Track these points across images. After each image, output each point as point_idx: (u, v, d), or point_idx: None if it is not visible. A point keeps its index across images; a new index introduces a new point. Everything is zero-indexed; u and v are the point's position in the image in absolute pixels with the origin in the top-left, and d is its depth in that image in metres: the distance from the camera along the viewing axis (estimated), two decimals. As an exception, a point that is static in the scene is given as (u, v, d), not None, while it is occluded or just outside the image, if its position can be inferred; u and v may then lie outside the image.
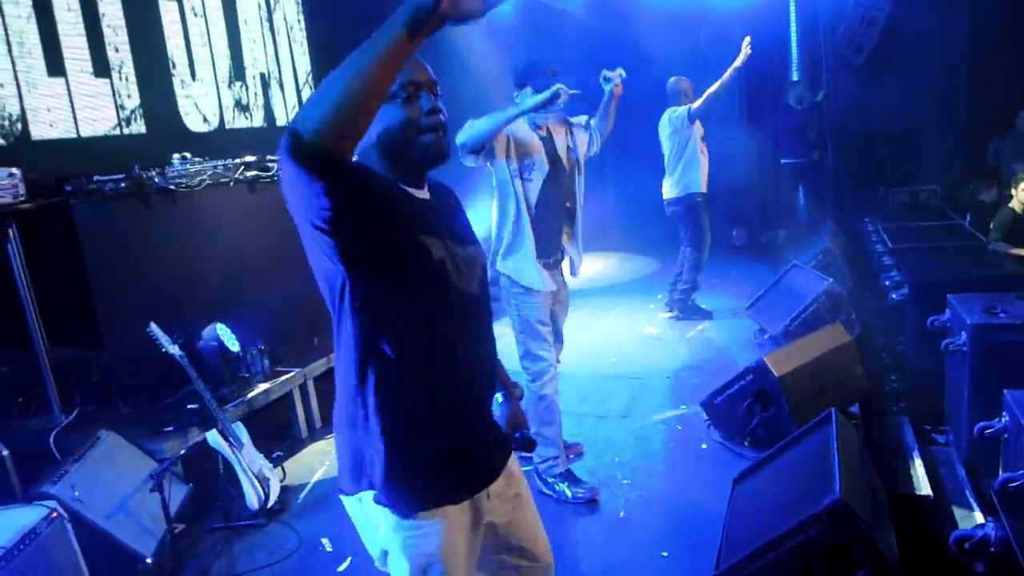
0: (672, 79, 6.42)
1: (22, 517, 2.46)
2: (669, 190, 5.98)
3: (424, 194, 1.61)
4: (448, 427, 1.57)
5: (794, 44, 8.53)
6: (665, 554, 2.92)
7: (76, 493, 2.78)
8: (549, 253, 3.32)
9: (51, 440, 3.42)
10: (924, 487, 2.98)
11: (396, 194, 1.52)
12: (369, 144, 1.54)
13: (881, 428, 3.53)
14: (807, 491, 2.26)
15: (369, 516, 1.58)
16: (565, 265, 3.50)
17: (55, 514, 2.52)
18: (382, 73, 1.20)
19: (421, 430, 1.53)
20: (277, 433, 4.29)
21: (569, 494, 3.33)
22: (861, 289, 5.27)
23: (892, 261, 4.59)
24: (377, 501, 1.53)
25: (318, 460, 4.00)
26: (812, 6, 7.96)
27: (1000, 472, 2.78)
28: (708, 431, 3.86)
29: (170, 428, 3.55)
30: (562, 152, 3.33)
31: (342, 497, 1.64)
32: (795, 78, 8.44)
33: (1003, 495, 2.43)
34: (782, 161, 8.25)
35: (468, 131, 2.98)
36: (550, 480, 3.38)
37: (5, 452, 3.29)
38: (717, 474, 3.48)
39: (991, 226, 5.21)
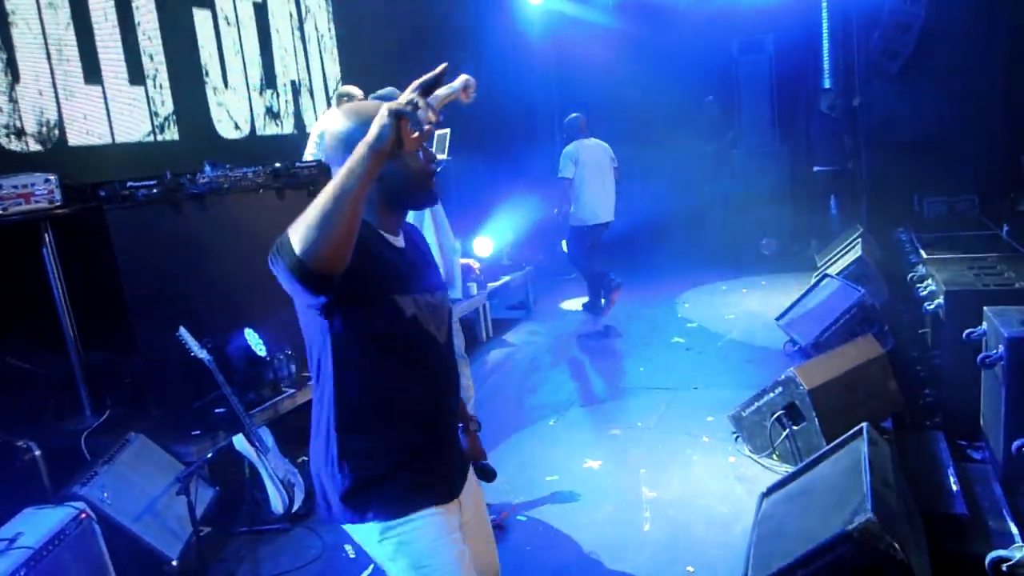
0: (573, 115, 6.77)
1: (52, 518, 2.50)
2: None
3: (400, 241, 1.73)
4: (423, 454, 1.71)
5: (826, 51, 8.43)
6: (691, 569, 2.88)
7: (105, 495, 2.82)
8: None
9: (82, 441, 3.48)
10: (959, 505, 2.90)
11: (375, 249, 1.62)
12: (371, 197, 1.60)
13: (914, 443, 3.44)
14: (838, 508, 2.20)
15: (358, 535, 1.72)
16: None
17: (84, 515, 2.56)
18: (359, 202, 1.35)
19: (399, 460, 1.67)
20: (302, 438, 4.29)
21: None
22: (895, 300, 5.17)
23: (927, 272, 4.49)
24: (366, 520, 1.66)
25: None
26: (845, 12, 7.86)
27: (1039, 492, 2.71)
28: (736, 443, 3.80)
29: (198, 431, 3.59)
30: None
31: (346, 527, 1.73)
32: (827, 85, 8.34)
33: (1042, 515, 2.36)
34: (814, 169, 8.14)
35: None
36: None
37: (37, 452, 3.34)
38: (744, 488, 3.43)
39: (1030, 236, 5.07)
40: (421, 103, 1.40)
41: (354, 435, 1.66)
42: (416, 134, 1.39)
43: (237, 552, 3.27)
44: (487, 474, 1.85)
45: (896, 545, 1.97)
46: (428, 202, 1.72)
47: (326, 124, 4.37)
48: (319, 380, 1.67)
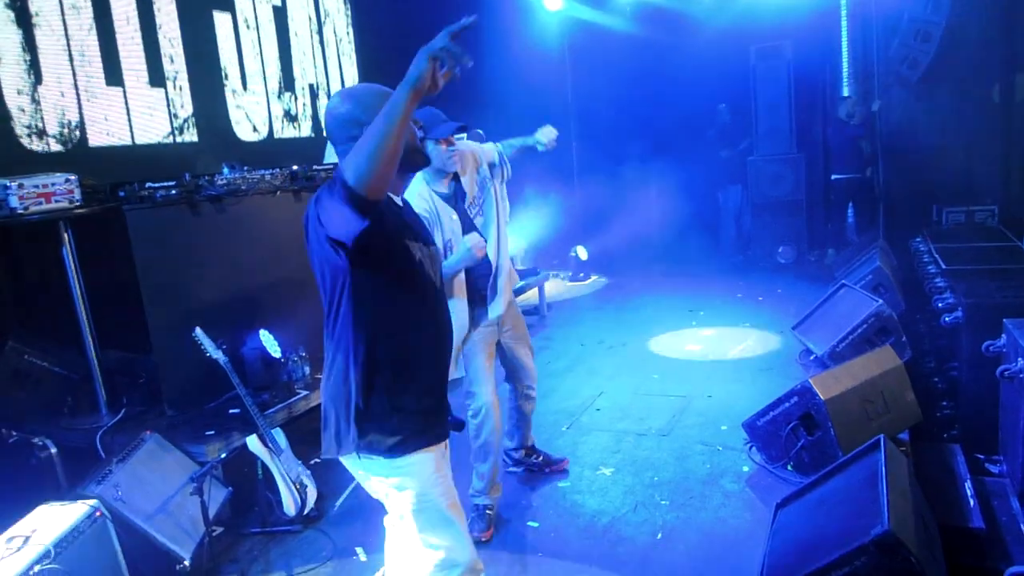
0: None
1: (67, 515, 2.52)
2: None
3: (399, 200, 2.06)
4: (428, 393, 1.99)
5: (845, 59, 8.37)
6: (703, 579, 2.85)
7: (119, 493, 2.84)
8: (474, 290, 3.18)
9: (97, 439, 3.51)
10: (976, 519, 2.86)
11: (385, 203, 1.85)
12: None
13: (931, 456, 3.40)
14: (854, 520, 2.18)
15: (368, 468, 2.00)
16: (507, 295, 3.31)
17: (98, 513, 2.58)
18: (401, 135, 1.61)
19: (411, 395, 1.94)
20: (316, 440, 4.28)
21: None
22: (912, 311, 5.11)
23: (945, 283, 4.44)
24: (379, 453, 1.93)
25: (347, 475, 4.00)
26: (864, 20, 7.81)
27: (1059, 507, 2.66)
28: (750, 453, 3.77)
29: (212, 432, 3.61)
30: (470, 193, 3.16)
31: (343, 458, 2.01)
32: (846, 93, 8.28)
33: (1063, 532, 2.32)
34: (832, 177, 8.08)
35: None
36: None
37: (53, 450, 3.38)
38: (759, 498, 3.40)
39: (1051, 248, 5.01)
40: (452, 49, 1.59)
41: (373, 374, 1.89)
42: (445, 73, 1.60)
43: (249, 553, 3.28)
44: (457, 426, 2.13)
45: (913, 558, 1.95)
46: (424, 162, 2.07)
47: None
48: (337, 323, 1.89)
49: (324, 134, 6.46)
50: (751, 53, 8.29)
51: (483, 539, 3.23)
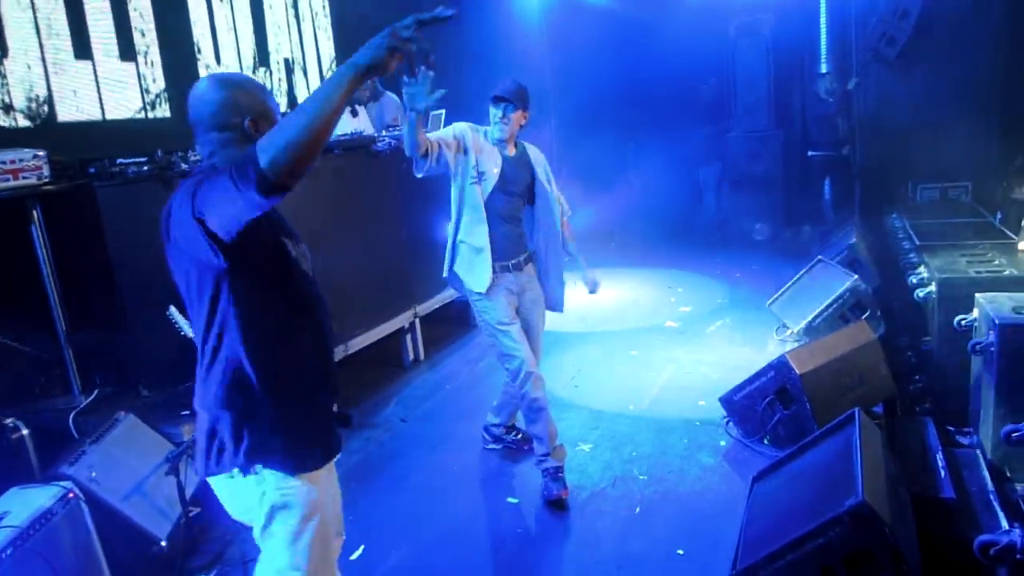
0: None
1: (39, 497, 2.48)
2: None
3: None
4: (312, 395, 1.84)
5: (824, 35, 8.38)
6: (681, 552, 2.89)
7: (93, 474, 2.80)
8: (508, 255, 3.38)
9: (70, 421, 3.45)
10: (947, 490, 2.91)
11: None
12: None
13: (904, 429, 3.46)
14: (829, 492, 2.21)
15: (247, 487, 1.78)
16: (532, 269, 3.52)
17: (71, 495, 2.54)
18: (335, 120, 1.47)
19: (293, 399, 1.78)
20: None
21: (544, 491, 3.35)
22: (887, 286, 5.17)
23: (919, 258, 4.49)
24: (259, 469, 1.74)
25: (334, 447, 4.00)
26: (843, -3, 7.81)
27: (1027, 477, 2.72)
28: (727, 427, 3.81)
29: (187, 412, 3.57)
30: (514, 167, 3.39)
31: (210, 478, 1.82)
32: (824, 70, 8.30)
33: (1030, 501, 2.37)
34: (809, 154, 8.12)
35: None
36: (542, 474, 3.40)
37: (25, 432, 3.31)
38: (736, 471, 3.44)
39: (1022, 224, 5.08)
40: (419, 44, 1.52)
41: (258, 382, 1.73)
42: (395, 62, 1.51)
43: (227, 532, 3.26)
44: (343, 420, 2.10)
45: (886, 528, 1.98)
46: None
47: None
48: (212, 330, 1.73)
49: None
50: (730, 29, 8.27)
51: (563, 496, 3.30)
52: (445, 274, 3.47)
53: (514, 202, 3.40)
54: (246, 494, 1.79)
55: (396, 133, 3.10)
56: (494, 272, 3.32)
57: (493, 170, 3.29)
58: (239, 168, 1.45)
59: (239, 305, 1.70)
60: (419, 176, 3.18)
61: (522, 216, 3.50)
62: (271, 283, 1.75)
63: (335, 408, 2.00)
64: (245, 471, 1.75)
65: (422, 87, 2.75)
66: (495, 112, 3.28)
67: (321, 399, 1.89)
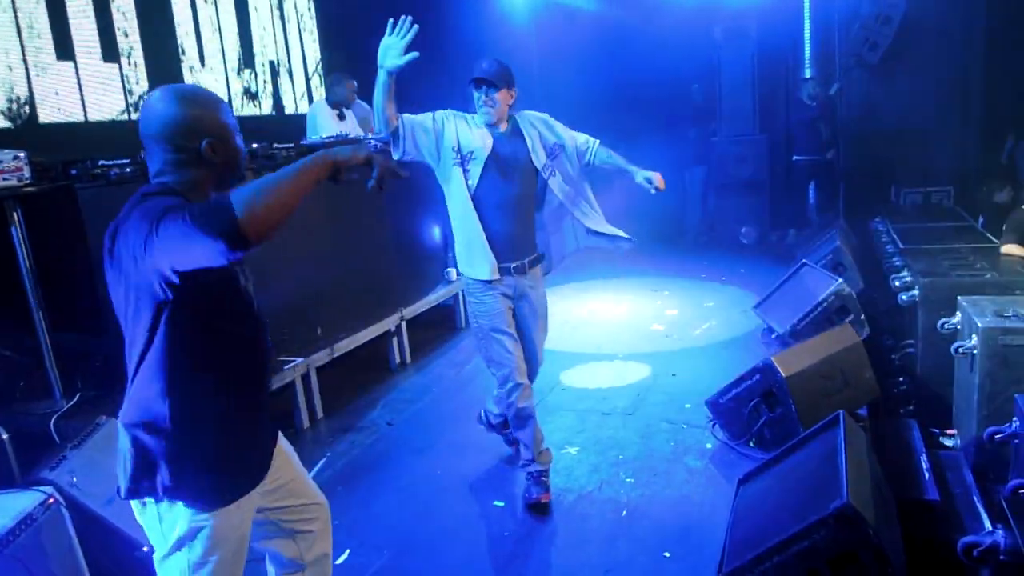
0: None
1: (19, 502, 2.44)
2: None
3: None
4: (242, 425, 1.79)
5: (807, 40, 8.46)
6: (668, 555, 2.89)
7: (74, 479, 2.76)
8: (509, 256, 3.17)
9: (51, 425, 3.41)
10: (931, 492, 2.94)
11: None
12: (198, 178, 1.70)
13: (889, 431, 3.49)
14: (814, 494, 2.22)
15: (161, 515, 1.71)
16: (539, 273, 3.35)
17: (52, 500, 2.50)
18: (301, 197, 1.52)
19: (222, 430, 1.73)
20: (278, 423, 4.26)
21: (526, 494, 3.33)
22: (870, 289, 5.22)
23: (902, 262, 4.53)
24: (174, 499, 1.68)
25: (319, 451, 3.98)
26: (826, 3, 7.89)
27: (1010, 478, 2.74)
28: (713, 430, 3.82)
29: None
30: (508, 143, 3.18)
31: (132, 502, 1.74)
32: (807, 75, 8.37)
33: (1013, 502, 2.39)
34: (794, 158, 8.18)
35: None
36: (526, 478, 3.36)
37: (5, 436, 3.27)
38: (722, 474, 3.45)
39: (1004, 228, 5.14)
40: (391, 167, 1.74)
41: (193, 407, 1.68)
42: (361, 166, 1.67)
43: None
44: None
45: (871, 530, 1.99)
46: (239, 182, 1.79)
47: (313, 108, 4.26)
48: (148, 351, 1.64)
49: (285, 112, 6.34)
50: (716, 32, 8.32)
51: (543, 500, 3.26)
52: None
53: (514, 186, 3.14)
54: (155, 520, 1.73)
55: (384, 136, 3.05)
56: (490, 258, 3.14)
57: (482, 150, 3.09)
58: (210, 214, 1.42)
59: (171, 338, 1.63)
60: (397, 158, 3.03)
61: (527, 206, 3.24)
62: (211, 316, 1.69)
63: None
64: (158, 500, 1.69)
65: (397, 41, 2.69)
66: (478, 96, 3.10)
67: (250, 431, 1.83)
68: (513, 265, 3.19)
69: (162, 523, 1.72)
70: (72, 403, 3.62)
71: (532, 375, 3.43)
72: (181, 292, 1.58)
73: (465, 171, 3.10)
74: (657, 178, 3.33)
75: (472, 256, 3.17)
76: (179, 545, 1.72)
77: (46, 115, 4.40)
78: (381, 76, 2.80)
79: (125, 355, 1.71)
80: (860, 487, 2.16)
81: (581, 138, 3.42)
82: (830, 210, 7.70)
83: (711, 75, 8.49)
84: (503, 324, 3.20)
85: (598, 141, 3.45)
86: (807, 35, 8.41)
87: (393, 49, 2.71)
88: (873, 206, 6.48)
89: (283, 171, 1.50)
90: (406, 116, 3.03)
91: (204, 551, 1.72)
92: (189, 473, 1.68)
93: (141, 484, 1.69)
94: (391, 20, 2.72)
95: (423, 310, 5.49)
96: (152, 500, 1.70)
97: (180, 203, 1.54)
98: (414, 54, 2.71)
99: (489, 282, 3.16)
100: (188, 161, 1.67)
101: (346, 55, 6.40)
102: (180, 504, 1.69)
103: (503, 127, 3.20)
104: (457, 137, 3.09)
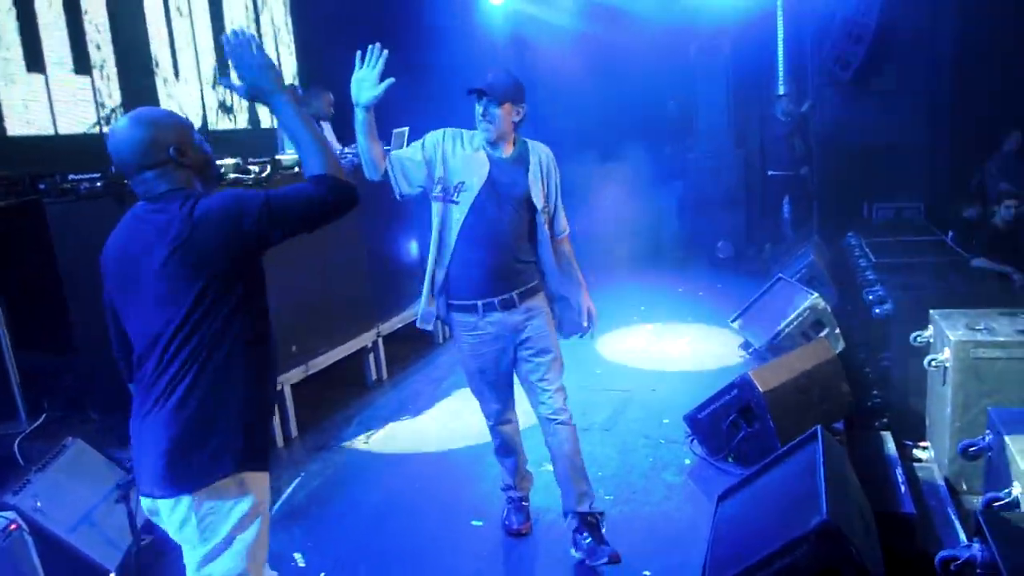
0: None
1: (-20, 528, 2.37)
2: None
3: None
4: (268, 412, 2.01)
5: (781, 58, 8.58)
6: (648, 573, 2.86)
7: (38, 504, 2.68)
8: (493, 289, 2.82)
9: (15, 446, 3.32)
10: (907, 505, 2.95)
11: None
12: (183, 178, 1.87)
13: (864, 444, 3.51)
14: (794, 511, 2.21)
15: (212, 503, 1.81)
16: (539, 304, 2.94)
17: (14, 526, 2.42)
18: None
19: (259, 414, 1.90)
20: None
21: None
22: (844, 303, 5.27)
23: (876, 276, 4.59)
24: (239, 470, 1.81)
25: (294, 471, 3.91)
26: (800, 20, 8.01)
27: (984, 491, 2.76)
28: (691, 445, 3.82)
29: (140, 436, 3.45)
30: (507, 171, 2.82)
31: (164, 501, 1.81)
32: (781, 91, 8.49)
33: (988, 515, 2.40)
34: (768, 173, 8.28)
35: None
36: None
37: (-33, 458, 3.18)
38: (700, 490, 3.44)
39: (974, 243, 5.23)
40: None
41: (239, 387, 1.82)
42: None
43: (179, 561, 3.13)
44: None
45: (852, 547, 1.98)
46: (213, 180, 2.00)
47: None
48: (193, 339, 1.76)
49: (261, 125, 6.29)
50: (691, 50, 8.41)
51: (523, 531, 3.17)
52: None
53: (505, 218, 2.79)
54: (211, 501, 1.80)
55: (376, 179, 2.84)
56: (456, 310, 2.86)
57: (475, 179, 2.75)
58: (319, 184, 1.77)
59: (230, 312, 1.79)
60: (400, 199, 2.80)
61: (518, 234, 2.85)
62: (252, 293, 1.86)
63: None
64: (206, 484, 1.78)
65: (369, 72, 2.49)
66: (477, 109, 2.75)
67: (270, 404, 2.02)
68: (500, 299, 2.83)
69: (219, 500, 1.80)
70: (37, 423, 3.54)
71: (550, 415, 2.99)
72: (250, 280, 1.83)
73: (450, 204, 2.78)
74: (592, 315, 3.14)
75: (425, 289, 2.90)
76: (232, 506, 1.81)
77: (14, 127, 4.31)
78: (359, 115, 2.59)
79: (157, 358, 1.79)
80: (840, 503, 2.16)
81: (563, 218, 3.03)
82: (804, 225, 7.78)
83: (687, 92, 8.58)
84: (474, 366, 2.95)
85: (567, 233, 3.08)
86: (780, 53, 8.53)
87: (366, 81, 2.52)
88: (846, 221, 6.56)
89: (308, 134, 1.80)
90: (393, 154, 2.79)
91: (252, 507, 1.84)
92: (241, 438, 1.81)
93: (188, 471, 1.76)
94: (359, 52, 2.53)
95: (400, 326, 5.45)
96: (202, 487, 1.77)
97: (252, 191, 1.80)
98: (390, 80, 2.53)
99: (471, 320, 2.86)
100: (169, 170, 1.84)
101: (323, 69, 6.37)
102: (245, 474, 1.82)
103: (506, 150, 2.84)
104: (445, 167, 2.77)
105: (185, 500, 1.78)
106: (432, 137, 2.82)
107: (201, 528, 1.80)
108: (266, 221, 1.73)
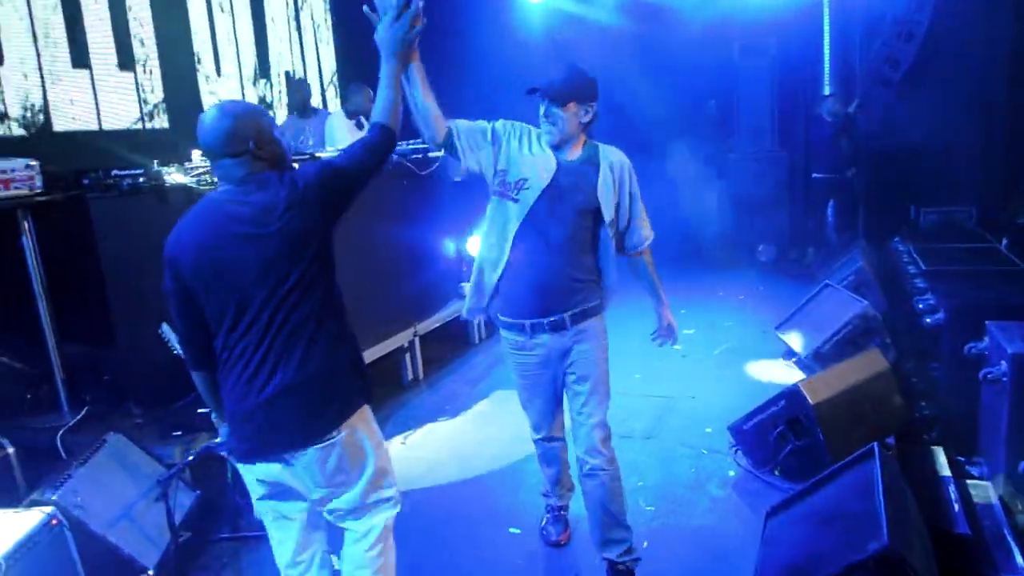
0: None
1: (21, 524, 2.37)
2: None
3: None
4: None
5: (827, 57, 8.36)
6: (690, 587, 2.78)
7: (78, 499, 2.68)
8: (543, 310, 2.61)
9: (58, 439, 3.35)
10: (962, 525, 2.83)
11: None
12: (259, 168, 2.07)
13: (915, 459, 3.37)
14: (851, 532, 2.11)
15: (364, 427, 2.17)
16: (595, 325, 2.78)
17: (55, 521, 2.43)
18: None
19: (357, 347, 2.26)
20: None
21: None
22: (891, 311, 5.10)
23: (926, 284, 4.42)
24: (367, 401, 2.19)
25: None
26: (847, 19, 7.81)
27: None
28: (736, 456, 3.71)
29: (179, 432, 3.46)
30: (572, 175, 2.60)
31: (313, 449, 2.04)
32: (827, 91, 8.28)
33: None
34: (813, 176, 8.08)
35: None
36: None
37: (11, 450, 3.22)
38: (746, 503, 3.34)
39: (1031, 251, 5.02)
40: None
41: (349, 328, 2.20)
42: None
43: (218, 559, 3.14)
44: None
45: (915, 573, 1.88)
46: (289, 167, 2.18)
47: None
48: (308, 294, 2.03)
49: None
50: (734, 49, 8.25)
51: (561, 541, 3.08)
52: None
53: (568, 227, 2.57)
54: (355, 427, 2.10)
55: (428, 147, 2.68)
56: (504, 326, 2.69)
57: (539, 179, 2.52)
58: (379, 131, 2.13)
59: (328, 264, 2.09)
60: (458, 179, 2.66)
61: (577, 247, 2.62)
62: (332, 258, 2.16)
63: None
64: (360, 405, 2.14)
65: (390, 21, 2.21)
66: (540, 110, 2.54)
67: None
68: (549, 320, 2.61)
69: (362, 423, 2.15)
70: (79, 417, 3.57)
71: (583, 454, 2.78)
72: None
73: (508, 200, 2.55)
74: (673, 329, 3.11)
75: (472, 282, 2.74)
76: (366, 432, 2.16)
77: (60, 123, 4.36)
78: (392, 67, 2.19)
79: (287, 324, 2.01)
80: (900, 526, 2.05)
81: (642, 229, 2.82)
82: (849, 229, 7.58)
83: (729, 91, 8.41)
84: (523, 388, 2.84)
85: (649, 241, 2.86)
86: (827, 51, 8.32)
87: (395, 29, 2.23)
88: (893, 225, 6.36)
89: (394, 95, 2.15)
90: (459, 122, 2.55)
91: (377, 428, 2.23)
92: (359, 377, 2.18)
93: (346, 408, 2.08)
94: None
95: (437, 325, 5.40)
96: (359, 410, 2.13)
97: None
98: (421, 24, 2.24)
99: (519, 340, 2.69)
100: (245, 161, 2.04)
101: (362, 64, 6.36)
102: (360, 400, 2.15)
103: (574, 152, 2.62)
104: (508, 160, 2.56)
105: (336, 438, 2.05)
106: (503, 123, 2.63)
107: (353, 457, 2.11)
108: (355, 164, 2.07)
